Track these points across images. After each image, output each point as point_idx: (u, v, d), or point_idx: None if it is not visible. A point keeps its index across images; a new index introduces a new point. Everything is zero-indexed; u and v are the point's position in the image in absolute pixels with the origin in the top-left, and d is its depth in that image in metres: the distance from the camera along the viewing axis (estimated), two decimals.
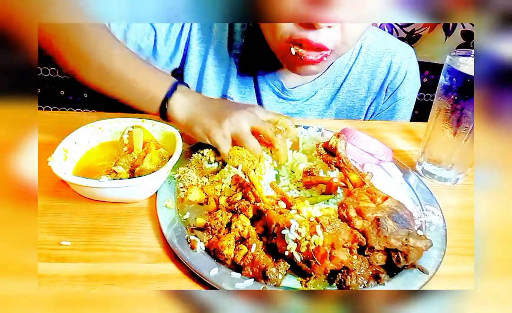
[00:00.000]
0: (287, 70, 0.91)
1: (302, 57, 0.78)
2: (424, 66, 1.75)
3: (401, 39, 1.58)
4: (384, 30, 1.46)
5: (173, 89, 0.72)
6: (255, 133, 0.70)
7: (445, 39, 1.72)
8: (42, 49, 0.77)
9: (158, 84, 0.73)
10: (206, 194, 0.65)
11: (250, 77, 1.01)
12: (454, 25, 1.70)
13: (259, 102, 1.03)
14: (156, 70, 0.77)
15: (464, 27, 1.70)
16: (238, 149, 0.69)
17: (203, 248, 0.56)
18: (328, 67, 0.99)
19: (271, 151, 0.73)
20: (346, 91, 1.05)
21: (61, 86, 1.94)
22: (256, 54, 0.97)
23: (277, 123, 0.73)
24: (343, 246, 0.52)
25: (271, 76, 0.99)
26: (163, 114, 0.72)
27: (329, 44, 0.77)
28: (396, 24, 1.65)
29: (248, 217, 0.59)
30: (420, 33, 1.66)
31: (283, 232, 0.53)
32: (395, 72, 1.05)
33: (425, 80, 1.83)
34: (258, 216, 0.60)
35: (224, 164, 0.72)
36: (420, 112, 1.20)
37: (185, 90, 0.74)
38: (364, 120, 1.10)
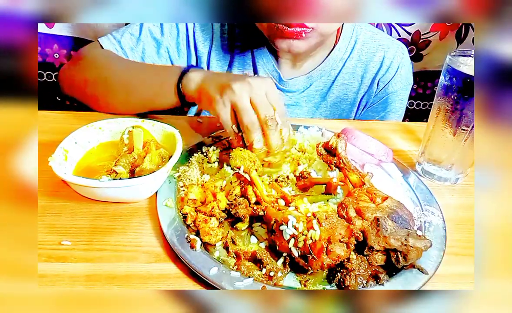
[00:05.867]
0: (284, 60, 1.00)
1: (284, 30, 0.83)
2: (434, 75, 1.73)
3: (405, 40, 1.57)
4: (383, 30, 1.46)
5: (186, 70, 0.79)
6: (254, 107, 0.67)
7: (457, 47, 1.70)
8: (64, 93, 0.94)
9: (172, 73, 0.80)
10: (204, 190, 0.65)
11: (250, 67, 1.04)
12: (466, 33, 1.68)
13: None
14: (168, 66, 0.94)
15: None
16: (241, 150, 0.69)
17: (203, 247, 0.57)
18: (324, 60, 1.03)
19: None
20: (340, 84, 1.08)
21: (58, 92, 1.92)
22: (254, 42, 1.01)
23: (275, 110, 0.68)
24: (340, 241, 0.52)
25: (270, 67, 1.03)
26: (180, 96, 0.78)
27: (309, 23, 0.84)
28: (397, 24, 1.64)
29: (244, 218, 0.60)
30: (429, 38, 1.64)
31: (281, 227, 0.54)
32: (387, 67, 1.07)
33: (435, 89, 1.81)
34: (257, 217, 0.60)
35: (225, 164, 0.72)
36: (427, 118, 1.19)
37: (197, 69, 0.80)
38: (356, 112, 1.13)
